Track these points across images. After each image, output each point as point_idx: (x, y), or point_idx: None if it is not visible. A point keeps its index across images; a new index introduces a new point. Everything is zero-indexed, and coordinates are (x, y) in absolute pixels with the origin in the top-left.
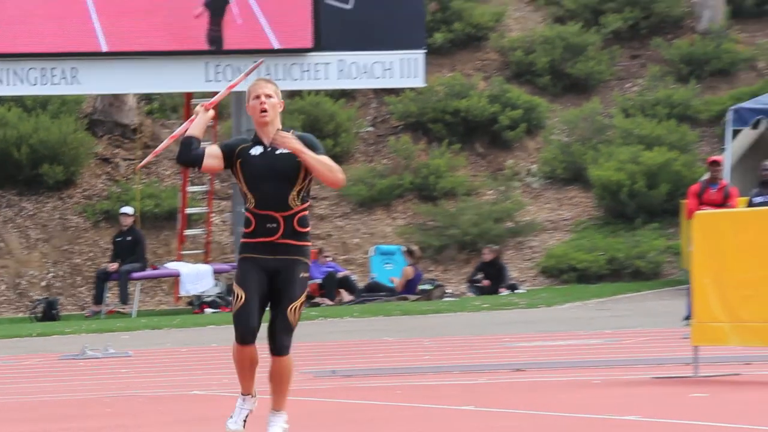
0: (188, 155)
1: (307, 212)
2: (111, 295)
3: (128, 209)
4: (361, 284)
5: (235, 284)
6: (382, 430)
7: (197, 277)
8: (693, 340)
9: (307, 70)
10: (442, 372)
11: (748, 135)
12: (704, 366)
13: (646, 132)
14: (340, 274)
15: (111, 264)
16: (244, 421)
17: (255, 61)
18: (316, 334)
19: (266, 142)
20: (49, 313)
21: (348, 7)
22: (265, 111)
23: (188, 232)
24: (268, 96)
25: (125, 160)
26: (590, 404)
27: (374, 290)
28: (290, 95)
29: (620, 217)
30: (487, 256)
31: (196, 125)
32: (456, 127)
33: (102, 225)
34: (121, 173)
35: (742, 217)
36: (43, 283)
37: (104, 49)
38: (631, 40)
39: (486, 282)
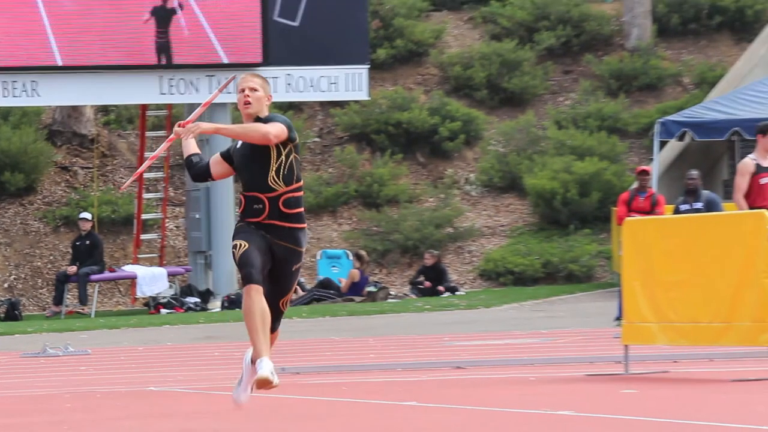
0: (195, 172)
1: (296, 194)
2: (70, 297)
3: (87, 215)
4: (308, 286)
5: (233, 240)
6: (329, 424)
7: (153, 280)
8: (623, 339)
9: None
10: (386, 369)
11: (674, 146)
12: (634, 364)
13: (578, 143)
14: None
15: (70, 267)
16: (272, 372)
17: (226, 78)
18: None
19: None
20: (11, 313)
21: (295, 24)
22: (248, 103)
23: (144, 236)
24: (253, 89)
25: (83, 168)
26: (527, 400)
27: (326, 286)
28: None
29: (554, 223)
30: (429, 260)
31: (186, 146)
32: (398, 138)
33: (62, 230)
34: (80, 181)
35: (669, 224)
36: (6, 285)
37: (59, 63)
38: (563, 56)
39: (428, 284)
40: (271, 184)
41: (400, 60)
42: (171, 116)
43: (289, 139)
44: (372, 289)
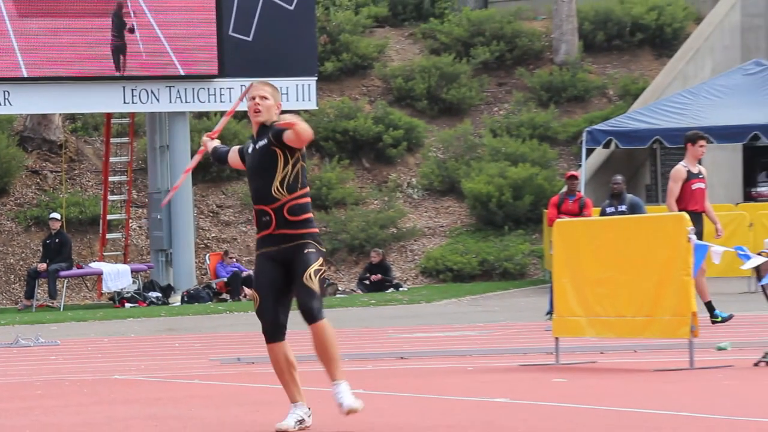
0: (216, 156)
1: (300, 201)
2: (41, 291)
3: (56, 215)
4: None
5: (252, 288)
6: (280, 409)
7: (117, 276)
8: (554, 332)
9: (213, 94)
10: None
11: (600, 153)
12: (564, 355)
13: (511, 150)
14: (244, 274)
15: (41, 264)
16: (298, 422)
17: (243, 86)
18: (223, 327)
19: (255, 137)
20: None
21: (249, 39)
22: (258, 111)
23: (109, 235)
24: (263, 98)
25: (52, 172)
26: (465, 388)
27: None
28: (198, 116)
29: (490, 224)
30: (374, 258)
31: (212, 145)
32: (345, 144)
33: (33, 229)
34: (49, 184)
35: (596, 225)
36: None
37: (24, 74)
38: (497, 69)
39: (375, 277)
40: (274, 194)
41: (346, 72)
42: (134, 124)
43: (299, 148)
44: None
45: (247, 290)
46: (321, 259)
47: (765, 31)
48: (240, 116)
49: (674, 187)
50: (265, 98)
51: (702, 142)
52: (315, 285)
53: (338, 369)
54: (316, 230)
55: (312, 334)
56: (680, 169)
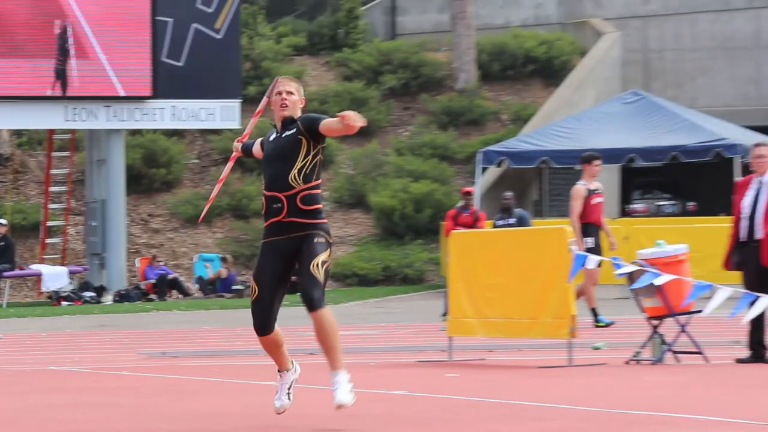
0: (245, 150)
1: (313, 192)
2: None
3: (2, 221)
4: (187, 284)
5: (252, 277)
6: (201, 399)
7: (56, 277)
8: (448, 331)
9: (147, 114)
10: (250, 355)
11: (493, 172)
12: (457, 352)
13: (414, 168)
14: (170, 276)
15: None
16: (288, 393)
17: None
18: (150, 324)
19: (279, 129)
20: None
21: (180, 64)
22: (285, 106)
23: (49, 240)
24: (290, 93)
25: (0, 182)
26: (367, 381)
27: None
28: (132, 133)
29: (393, 234)
30: None
31: (240, 146)
32: None
33: None
34: None
35: (488, 237)
36: None
37: None
38: (403, 95)
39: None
40: (291, 181)
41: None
42: (74, 139)
43: (322, 140)
44: (240, 287)
45: (194, 289)
46: (329, 251)
47: (642, 65)
48: (170, 134)
49: (576, 205)
50: (291, 93)
51: (597, 162)
52: (320, 275)
53: (337, 358)
54: (326, 221)
55: (313, 322)
56: (580, 188)
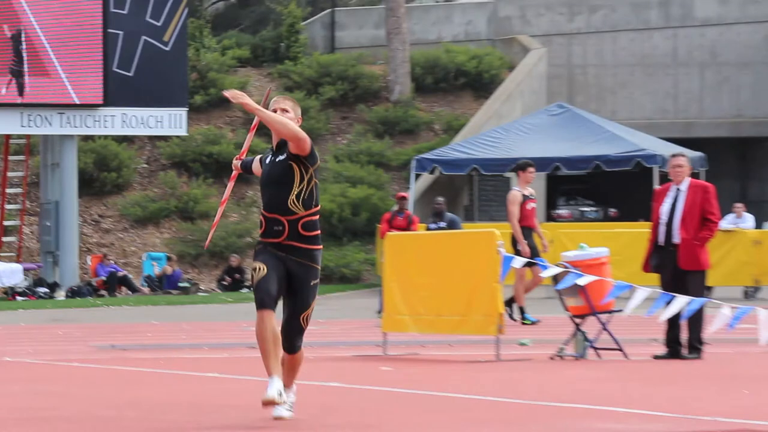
0: (244, 167)
1: (313, 218)
2: None
3: None
4: (135, 281)
5: (254, 261)
6: (149, 389)
7: (11, 273)
8: (383, 327)
9: (98, 120)
10: (195, 348)
11: (426, 178)
12: (391, 347)
13: (351, 174)
14: (120, 274)
15: None
16: (279, 393)
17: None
18: (101, 318)
19: (274, 151)
20: None
21: (130, 74)
22: None
23: (5, 239)
24: (284, 110)
25: None
26: (305, 374)
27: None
28: (85, 139)
29: (332, 236)
30: (233, 262)
31: (239, 164)
32: (210, 166)
33: None
34: None
35: (421, 239)
36: None
37: None
38: (341, 105)
39: (228, 280)
40: (291, 206)
41: (212, 104)
42: (29, 144)
43: (311, 162)
44: (185, 285)
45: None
46: (317, 289)
47: (566, 80)
48: (120, 140)
49: (514, 209)
50: (286, 111)
51: (531, 169)
52: (306, 324)
53: (293, 379)
54: (321, 247)
55: (287, 358)
56: (516, 194)
